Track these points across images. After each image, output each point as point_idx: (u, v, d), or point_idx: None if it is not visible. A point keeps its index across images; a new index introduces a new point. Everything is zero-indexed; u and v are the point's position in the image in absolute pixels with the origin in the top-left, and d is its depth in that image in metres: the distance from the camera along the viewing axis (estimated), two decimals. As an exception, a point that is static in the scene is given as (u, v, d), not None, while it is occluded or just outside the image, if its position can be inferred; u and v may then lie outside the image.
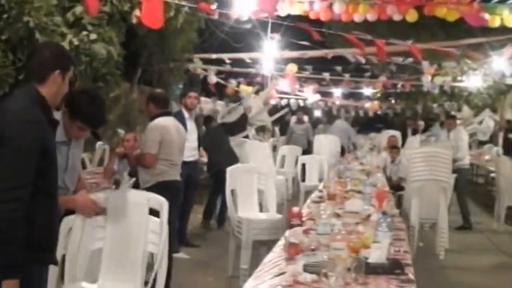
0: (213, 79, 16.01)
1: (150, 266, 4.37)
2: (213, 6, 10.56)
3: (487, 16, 9.97)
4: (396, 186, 10.38)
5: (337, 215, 5.42)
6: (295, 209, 4.73)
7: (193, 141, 8.61)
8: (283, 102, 23.25)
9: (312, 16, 10.48)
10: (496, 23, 10.11)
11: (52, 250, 3.25)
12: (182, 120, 8.52)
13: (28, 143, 2.95)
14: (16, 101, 3.10)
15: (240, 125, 11.97)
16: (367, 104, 28.18)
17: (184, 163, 8.39)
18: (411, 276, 3.61)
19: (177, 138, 6.77)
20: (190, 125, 8.60)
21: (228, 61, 15.55)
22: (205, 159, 9.55)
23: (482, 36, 14.60)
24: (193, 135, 8.65)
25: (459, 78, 19.66)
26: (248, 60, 16.18)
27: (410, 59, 15.68)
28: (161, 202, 4.29)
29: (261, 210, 7.64)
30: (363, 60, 15.45)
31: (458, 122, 12.73)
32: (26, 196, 2.91)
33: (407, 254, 4.20)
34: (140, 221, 4.23)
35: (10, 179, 2.89)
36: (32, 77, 3.22)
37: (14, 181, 2.89)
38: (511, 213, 10.98)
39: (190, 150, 8.55)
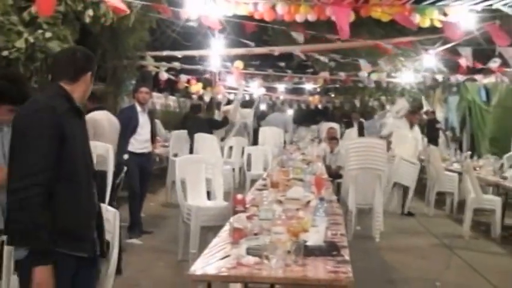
0: (164, 76, 15.87)
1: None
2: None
3: (418, 17, 10.13)
4: (335, 175, 10.49)
5: (280, 202, 5.45)
6: (239, 196, 4.73)
7: (145, 134, 8.55)
8: (231, 96, 23.28)
9: (256, 16, 10.46)
10: (426, 23, 10.29)
11: (83, 238, 3.09)
12: (135, 114, 8.48)
13: (41, 130, 2.90)
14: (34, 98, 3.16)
15: (222, 124, 13.10)
16: (309, 98, 28.44)
17: (138, 155, 8.38)
18: (346, 257, 3.65)
19: (109, 130, 7.02)
20: (143, 118, 8.55)
21: (179, 56, 15.42)
22: (158, 150, 9.51)
23: (414, 36, 14.85)
24: (146, 128, 8.58)
25: (393, 74, 19.95)
26: (196, 58, 16.13)
27: (349, 58, 15.92)
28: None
29: (209, 198, 7.63)
30: (304, 57, 15.56)
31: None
32: (46, 181, 2.84)
33: (344, 237, 4.25)
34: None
35: (30, 165, 2.84)
36: (58, 76, 3.21)
37: (33, 167, 2.83)
38: (440, 199, 11.25)
39: (143, 142, 8.51)
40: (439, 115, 18.42)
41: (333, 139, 12.08)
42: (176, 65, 15.84)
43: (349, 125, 19.90)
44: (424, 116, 16.13)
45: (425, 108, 17.97)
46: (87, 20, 8.67)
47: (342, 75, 19.27)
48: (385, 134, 11.51)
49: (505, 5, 9.67)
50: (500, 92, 14.79)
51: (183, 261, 6.81)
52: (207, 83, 19.18)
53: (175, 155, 11.16)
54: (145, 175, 8.61)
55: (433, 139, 14.88)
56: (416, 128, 11.58)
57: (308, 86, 26.36)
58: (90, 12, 8.60)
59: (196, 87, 18.75)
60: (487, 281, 6.80)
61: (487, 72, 14.17)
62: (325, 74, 20.24)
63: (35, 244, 2.83)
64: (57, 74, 3.22)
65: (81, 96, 3.26)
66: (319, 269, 3.40)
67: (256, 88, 22.93)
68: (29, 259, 2.83)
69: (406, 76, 18.85)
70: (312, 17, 10.21)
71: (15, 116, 3.03)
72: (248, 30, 10.06)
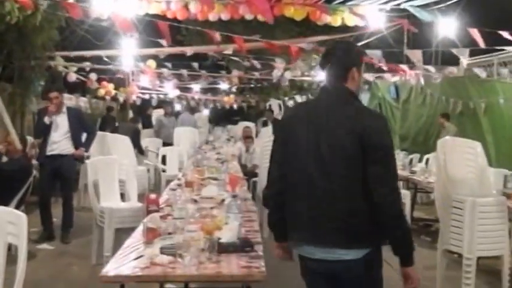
0: (72, 77, 15.50)
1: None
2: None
3: (329, 16, 10.38)
4: (251, 173, 10.59)
5: (194, 201, 5.49)
6: (153, 196, 4.73)
7: (59, 136, 8.29)
8: (146, 97, 23.09)
9: (169, 15, 10.43)
10: (337, 22, 10.55)
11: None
12: (47, 116, 8.23)
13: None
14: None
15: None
16: (225, 98, 28.56)
17: (51, 157, 8.17)
18: (260, 252, 3.73)
19: None
20: (59, 119, 8.30)
21: (88, 56, 15.13)
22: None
23: (326, 34, 15.19)
24: (61, 130, 8.31)
25: (307, 73, 20.33)
26: (105, 59, 15.87)
27: (263, 56, 16.08)
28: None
29: (123, 200, 7.56)
30: (219, 57, 15.63)
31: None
32: None
33: (257, 233, 4.32)
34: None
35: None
36: (333, 79, 3.18)
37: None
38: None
39: (56, 144, 8.26)
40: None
41: (248, 138, 12.18)
42: (86, 65, 15.55)
43: (265, 123, 20.12)
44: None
45: None
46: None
47: (256, 74, 19.47)
48: None
49: (411, 6, 10.07)
50: (408, 90, 15.36)
51: (98, 265, 6.71)
52: (120, 84, 18.93)
53: (88, 158, 10.96)
54: (62, 179, 8.39)
55: None
56: None
57: (223, 86, 26.48)
58: (-6, 11, 8.35)
59: (107, 87, 18.44)
60: (396, 271, 7.05)
61: (395, 70, 14.66)
62: (239, 73, 20.39)
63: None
64: (330, 77, 3.20)
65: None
66: (232, 265, 3.46)
67: (170, 89, 22.81)
68: None
69: (321, 74, 19.20)
70: (225, 16, 10.29)
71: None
72: (161, 30, 9.98)
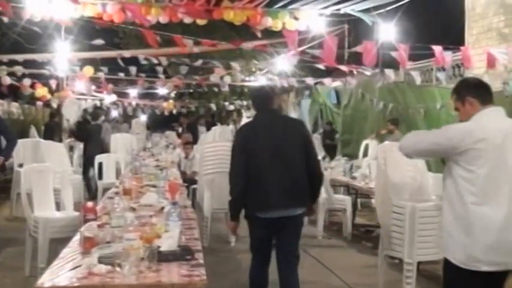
0: (6, 80, 15.16)
1: None
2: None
3: (270, 20, 10.45)
4: (190, 180, 10.56)
5: (133, 209, 5.47)
6: (89, 204, 4.69)
7: None
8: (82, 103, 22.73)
9: (105, 18, 10.31)
10: (278, 26, 10.63)
11: None
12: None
13: None
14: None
15: None
16: (163, 104, 28.39)
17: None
18: (200, 260, 3.75)
19: None
20: None
21: (21, 60, 14.82)
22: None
23: (266, 39, 15.29)
24: None
25: (247, 78, 20.45)
26: (40, 61, 15.57)
27: (201, 61, 16.08)
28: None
29: (58, 209, 7.43)
30: (156, 61, 15.57)
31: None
32: None
33: (198, 241, 4.35)
34: None
35: None
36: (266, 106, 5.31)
37: None
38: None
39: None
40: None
41: (187, 144, 12.14)
42: (18, 69, 15.21)
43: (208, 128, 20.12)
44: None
45: None
46: None
47: (196, 78, 19.45)
48: None
49: (352, 10, 10.24)
50: (349, 95, 15.61)
51: (31, 276, 6.57)
52: (54, 89, 18.57)
53: (21, 165, 10.73)
54: None
55: None
56: None
57: (162, 91, 26.31)
58: None
59: (41, 92, 18.05)
60: (338, 277, 7.21)
61: (337, 75, 14.89)
62: (178, 78, 20.33)
63: None
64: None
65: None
66: (173, 273, 3.48)
67: (107, 94, 22.53)
68: None
69: (261, 79, 19.35)
70: (163, 19, 10.23)
71: None
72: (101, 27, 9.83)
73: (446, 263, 3.74)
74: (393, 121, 12.35)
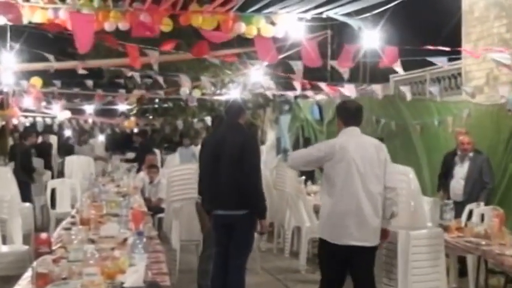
0: None
1: None
2: None
3: (243, 26, 10.46)
4: (155, 208, 10.54)
5: (92, 241, 5.44)
6: (43, 235, 4.67)
7: None
8: (29, 121, 22.60)
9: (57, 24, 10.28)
10: (253, 32, 10.61)
11: None
12: None
13: None
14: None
15: None
16: (124, 122, 28.25)
17: None
18: (170, 298, 3.77)
19: None
20: None
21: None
22: None
23: (239, 47, 15.33)
24: None
25: (218, 91, 20.46)
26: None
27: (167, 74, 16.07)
28: None
29: (4, 243, 7.38)
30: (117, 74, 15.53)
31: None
32: None
33: (166, 276, 4.36)
34: None
35: None
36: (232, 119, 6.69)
37: None
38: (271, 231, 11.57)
39: None
40: (270, 136, 19.10)
41: (152, 167, 12.11)
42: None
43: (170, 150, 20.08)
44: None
45: None
46: None
47: (160, 93, 19.44)
48: None
49: (336, 13, 10.28)
50: (334, 109, 15.63)
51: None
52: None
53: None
54: None
55: None
56: None
57: (122, 107, 26.18)
58: None
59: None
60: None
61: (319, 88, 14.94)
62: (140, 92, 20.30)
63: None
64: None
65: None
66: (139, 312, 3.48)
67: (59, 110, 22.38)
68: None
69: (233, 93, 19.31)
70: (123, 26, 10.22)
71: None
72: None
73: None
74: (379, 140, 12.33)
